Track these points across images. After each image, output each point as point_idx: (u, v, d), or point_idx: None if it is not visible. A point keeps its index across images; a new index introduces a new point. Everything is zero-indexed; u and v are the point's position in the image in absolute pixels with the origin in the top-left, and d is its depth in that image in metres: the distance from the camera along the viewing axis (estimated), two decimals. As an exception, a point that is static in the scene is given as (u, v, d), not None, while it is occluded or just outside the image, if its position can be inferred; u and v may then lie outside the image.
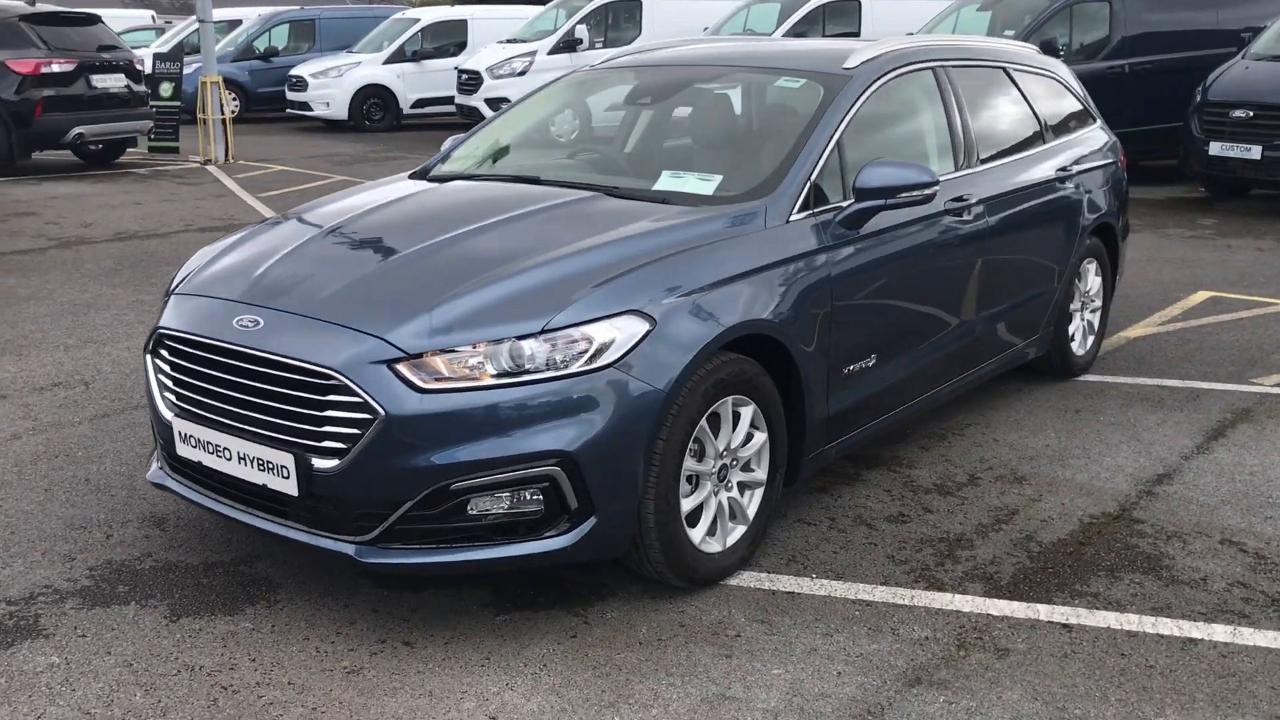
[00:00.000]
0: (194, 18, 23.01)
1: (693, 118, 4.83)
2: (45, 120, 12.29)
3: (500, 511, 3.19)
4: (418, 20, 19.16)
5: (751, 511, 3.77)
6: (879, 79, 4.51)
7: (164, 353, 3.63)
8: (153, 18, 29.41)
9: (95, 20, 13.22)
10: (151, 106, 14.26)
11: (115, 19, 22.43)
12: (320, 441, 3.19)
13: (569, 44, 16.44)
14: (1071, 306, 5.77)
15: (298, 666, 3.20)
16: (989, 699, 3.06)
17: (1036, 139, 5.47)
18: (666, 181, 4.16)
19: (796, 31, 14.95)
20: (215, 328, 3.46)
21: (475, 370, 3.15)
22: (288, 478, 3.24)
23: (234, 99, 20.17)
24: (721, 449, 3.61)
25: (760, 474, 3.79)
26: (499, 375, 3.15)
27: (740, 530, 3.75)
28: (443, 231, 3.74)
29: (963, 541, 4.01)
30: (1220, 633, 3.42)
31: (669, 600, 3.57)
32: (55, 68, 12.34)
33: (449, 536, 3.21)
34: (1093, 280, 5.95)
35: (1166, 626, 3.44)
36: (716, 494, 3.65)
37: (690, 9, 16.90)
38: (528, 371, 3.17)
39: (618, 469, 3.25)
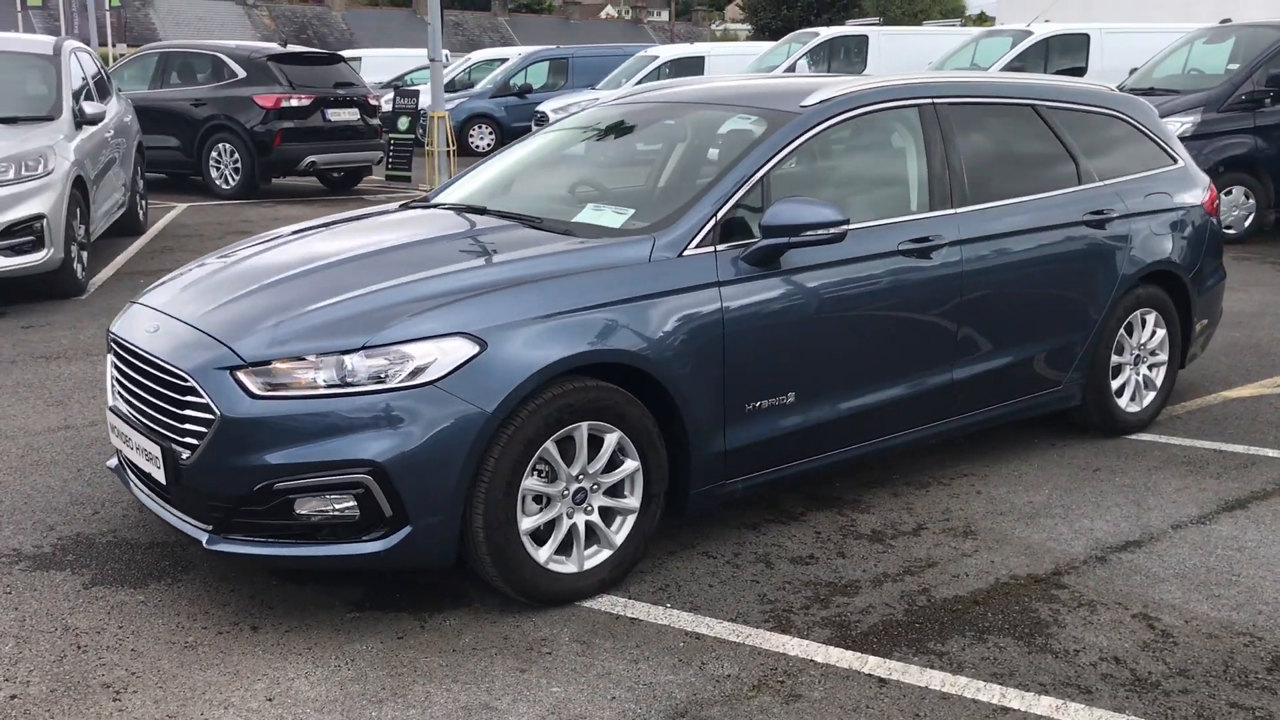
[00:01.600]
0: (468, 56, 24.71)
1: (637, 155, 4.94)
2: (283, 149, 13.64)
3: (322, 513, 3.45)
4: (657, 57, 19.80)
5: (619, 537, 3.86)
6: (832, 117, 4.48)
7: (111, 353, 4.13)
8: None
9: (337, 60, 14.56)
10: (389, 139, 15.50)
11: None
12: (182, 437, 3.57)
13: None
14: (1118, 359, 5.41)
15: (149, 637, 3.57)
16: (739, 740, 3.04)
17: (1063, 180, 5.20)
18: (586, 214, 4.32)
19: (1016, 66, 14.43)
20: (132, 331, 3.93)
21: (305, 380, 3.44)
22: (159, 467, 3.64)
23: (490, 132, 21.50)
24: (575, 473, 3.73)
25: (632, 501, 3.86)
26: (326, 386, 3.42)
27: (604, 554, 3.84)
28: (343, 254, 4.07)
29: (849, 589, 3.92)
30: (1043, 706, 3.21)
31: (512, 615, 3.72)
32: (294, 102, 13.69)
33: (280, 532, 3.50)
34: (1152, 332, 5.55)
35: (988, 693, 3.27)
36: (571, 516, 3.76)
37: (917, 44, 16.63)
38: (350, 384, 3.42)
39: (433, 483, 3.44)
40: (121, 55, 25.90)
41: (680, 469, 3.98)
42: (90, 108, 9.01)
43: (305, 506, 3.45)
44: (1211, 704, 3.23)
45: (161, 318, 3.89)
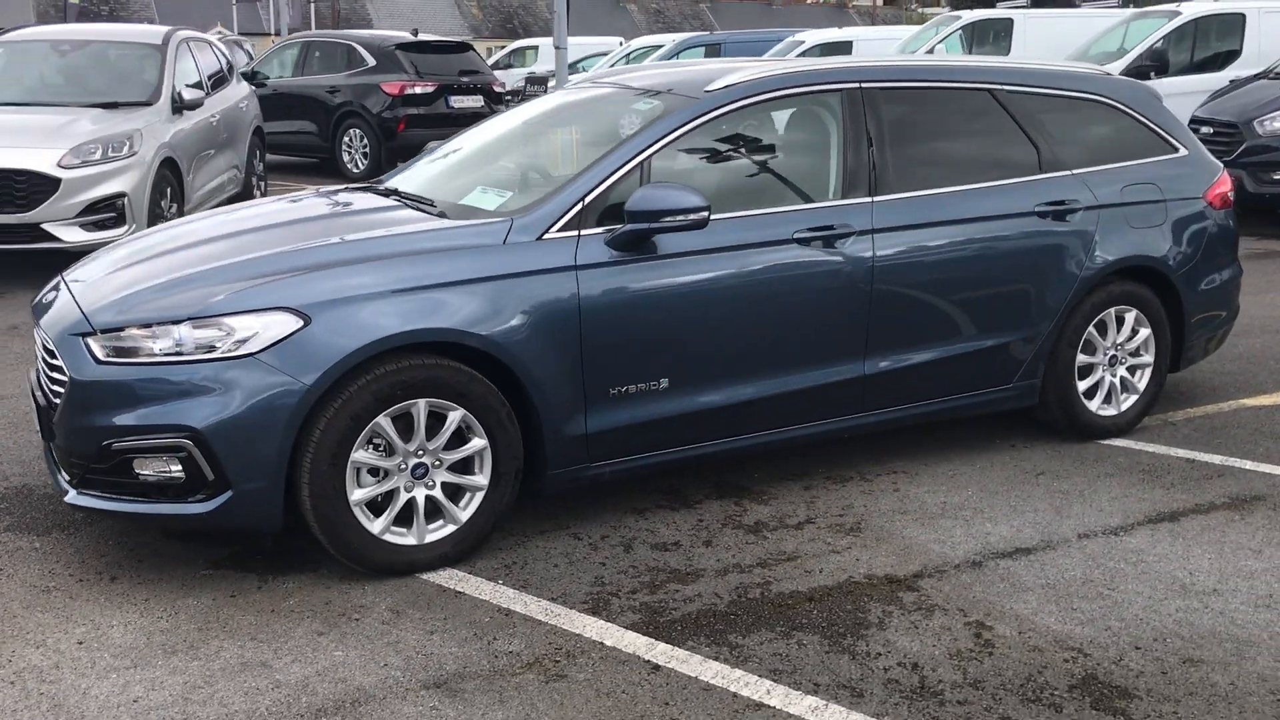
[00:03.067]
0: (628, 43, 24.95)
1: (556, 139, 4.97)
2: (406, 134, 14.18)
3: (155, 474, 3.68)
4: (803, 42, 19.54)
5: (465, 513, 3.95)
6: (734, 102, 4.43)
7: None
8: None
9: (465, 48, 15.03)
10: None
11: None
12: (54, 398, 3.87)
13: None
14: (1087, 359, 5.13)
15: (20, 580, 3.88)
16: (477, 711, 3.09)
17: (1019, 169, 4.96)
18: (471, 196, 4.41)
19: (1159, 49, 13.55)
20: (41, 300, 4.26)
21: (144, 349, 3.67)
22: (39, 428, 3.95)
23: (640, 117, 21.66)
24: (413, 448, 3.83)
25: (480, 479, 3.95)
26: (162, 355, 3.65)
27: (448, 529, 3.94)
28: (221, 232, 4.30)
29: (688, 577, 3.90)
30: (801, 706, 3.14)
31: (347, 582, 3.86)
32: (418, 89, 14.21)
33: (124, 489, 3.74)
34: (1131, 331, 5.23)
35: (752, 689, 3.22)
36: (410, 490, 3.87)
37: (1062, 27, 15.88)
38: (181, 354, 3.63)
39: (253, 450, 3.61)
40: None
41: (536, 449, 4.03)
42: (190, 94, 9.62)
43: (144, 467, 3.67)
44: (982, 717, 3.09)
45: (63, 287, 4.20)
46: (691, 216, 4.00)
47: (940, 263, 4.68)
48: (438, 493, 3.91)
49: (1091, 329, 5.12)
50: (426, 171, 5.07)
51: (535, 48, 32.09)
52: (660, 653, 3.40)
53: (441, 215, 4.23)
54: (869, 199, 4.57)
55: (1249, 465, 4.94)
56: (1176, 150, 5.43)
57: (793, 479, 4.78)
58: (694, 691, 3.20)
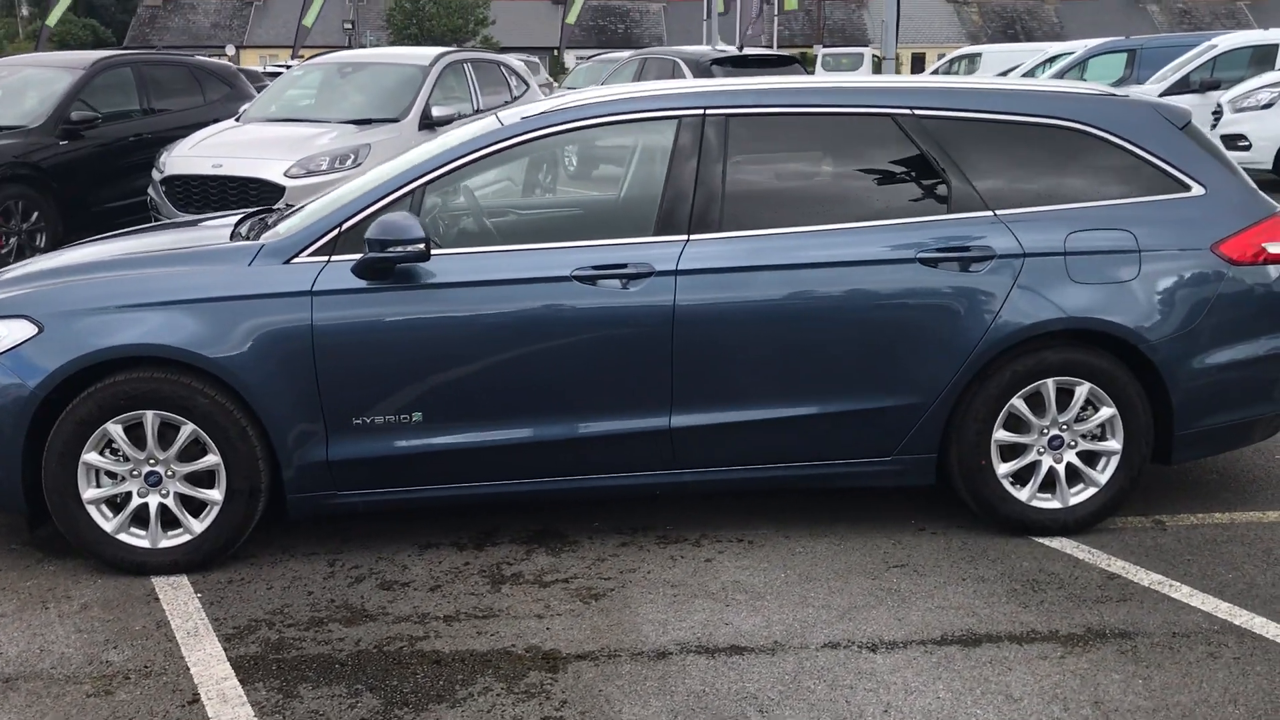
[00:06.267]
0: (1044, 49, 23.23)
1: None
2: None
3: (-62, 455, 4.18)
4: (1215, 46, 17.18)
5: (200, 525, 4.10)
6: (534, 131, 4.21)
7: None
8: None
9: (788, 62, 14.78)
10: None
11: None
12: None
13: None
14: (1011, 437, 4.28)
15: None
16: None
17: (915, 208, 4.25)
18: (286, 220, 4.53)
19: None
20: None
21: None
22: None
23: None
24: (144, 457, 4.06)
25: (215, 494, 4.10)
26: (-50, 352, 4.14)
27: (183, 538, 4.12)
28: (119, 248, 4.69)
29: (359, 619, 3.79)
30: (250, 767, 3.01)
31: (90, 570, 4.15)
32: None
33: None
34: (1083, 409, 4.29)
35: (235, 740, 3.13)
36: (144, 496, 4.09)
37: None
38: None
39: (-6, 445, 4.00)
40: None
41: (276, 472, 4.10)
42: (441, 112, 10.41)
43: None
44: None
45: None
46: (409, 248, 3.88)
47: (771, 313, 4.13)
48: (171, 501, 4.09)
49: (1019, 402, 4.25)
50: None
51: (979, 55, 30.79)
52: (224, 689, 3.38)
53: (248, 237, 4.39)
54: (682, 238, 4.13)
55: (1181, 594, 3.89)
56: (1186, 188, 4.35)
57: (622, 533, 4.43)
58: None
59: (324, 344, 4.00)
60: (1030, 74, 21.94)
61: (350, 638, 3.67)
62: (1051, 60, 22.79)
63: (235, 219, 4.76)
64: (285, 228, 4.25)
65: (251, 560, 4.23)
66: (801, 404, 4.19)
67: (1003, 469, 4.30)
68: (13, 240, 9.61)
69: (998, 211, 4.24)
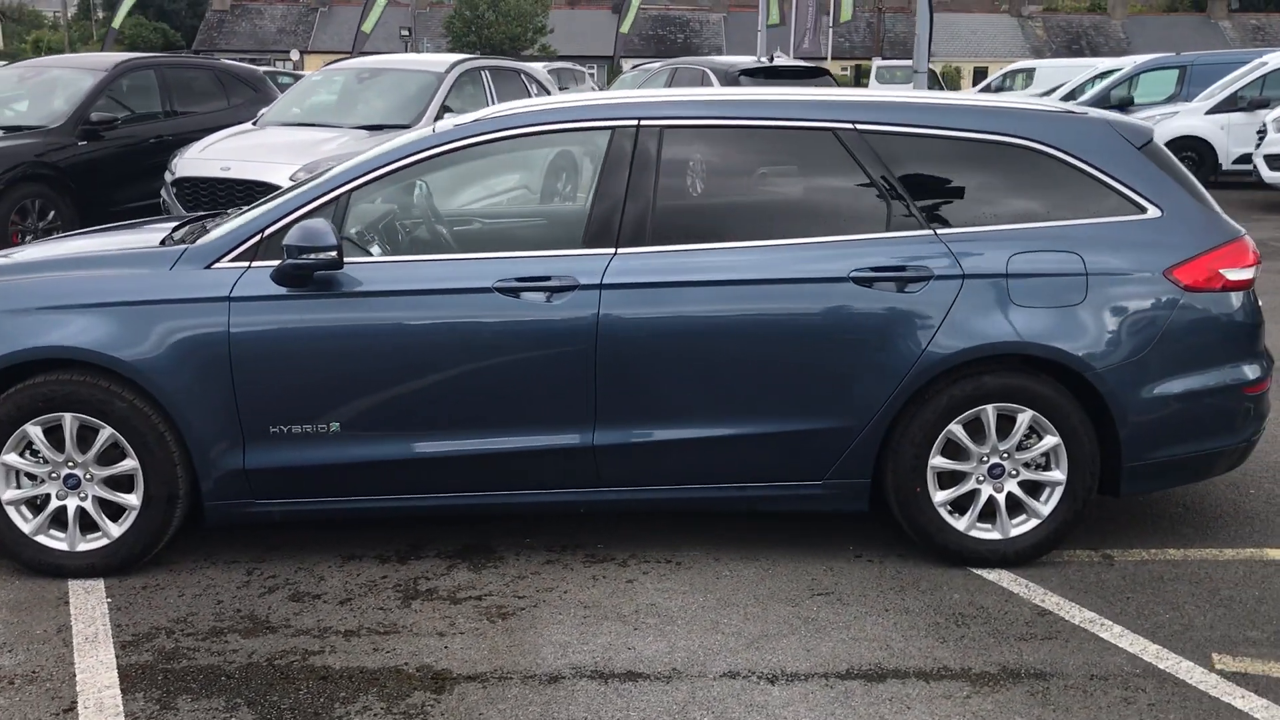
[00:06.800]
0: (1093, 64, 22.84)
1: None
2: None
3: None
4: (1265, 64, 16.72)
5: (118, 530, 4.08)
6: (464, 139, 4.16)
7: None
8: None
9: (819, 73, 14.61)
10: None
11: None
12: None
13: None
14: (948, 464, 4.14)
15: None
16: None
17: (854, 224, 4.12)
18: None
19: None
20: None
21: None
22: None
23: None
24: (63, 459, 4.04)
25: (133, 499, 4.07)
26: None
27: (101, 542, 4.10)
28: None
29: (259, 631, 3.74)
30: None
31: (8, 572, 4.15)
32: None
33: None
34: (1025, 436, 4.14)
35: (97, 751, 3.08)
36: (63, 498, 4.08)
37: None
38: None
39: (-75, 437, 4.00)
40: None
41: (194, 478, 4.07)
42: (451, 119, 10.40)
43: None
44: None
45: None
46: (321, 255, 3.84)
47: (699, 330, 4.02)
48: (89, 505, 4.07)
49: (957, 428, 4.10)
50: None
51: (1033, 70, 30.36)
52: (104, 698, 3.34)
53: (181, 241, 4.36)
54: (610, 251, 4.05)
55: (1111, 634, 3.73)
56: (1141, 210, 4.18)
57: (552, 550, 4.35)
58: (55, 740, 3.13)
59: (240, 351, 3.96)
60: (1078, 90, 21.57)
61: (245, 650, 3.61)
62: (1102, 76, 22.38)
63: (176, 223, 4.75)
64: (217, 233, 4.22)
65: (171, 566, 4.20)
66: (729, 424, 4.08)
67: (940, 496, 4.15)
68: (29, 238, 9.74)
69: (938, 231, 4.10)
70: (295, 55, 52.85)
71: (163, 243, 4.33)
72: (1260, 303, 4.36)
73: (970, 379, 4.07)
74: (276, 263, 3.98)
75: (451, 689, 3.39)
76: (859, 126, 4.18)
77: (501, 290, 3.99)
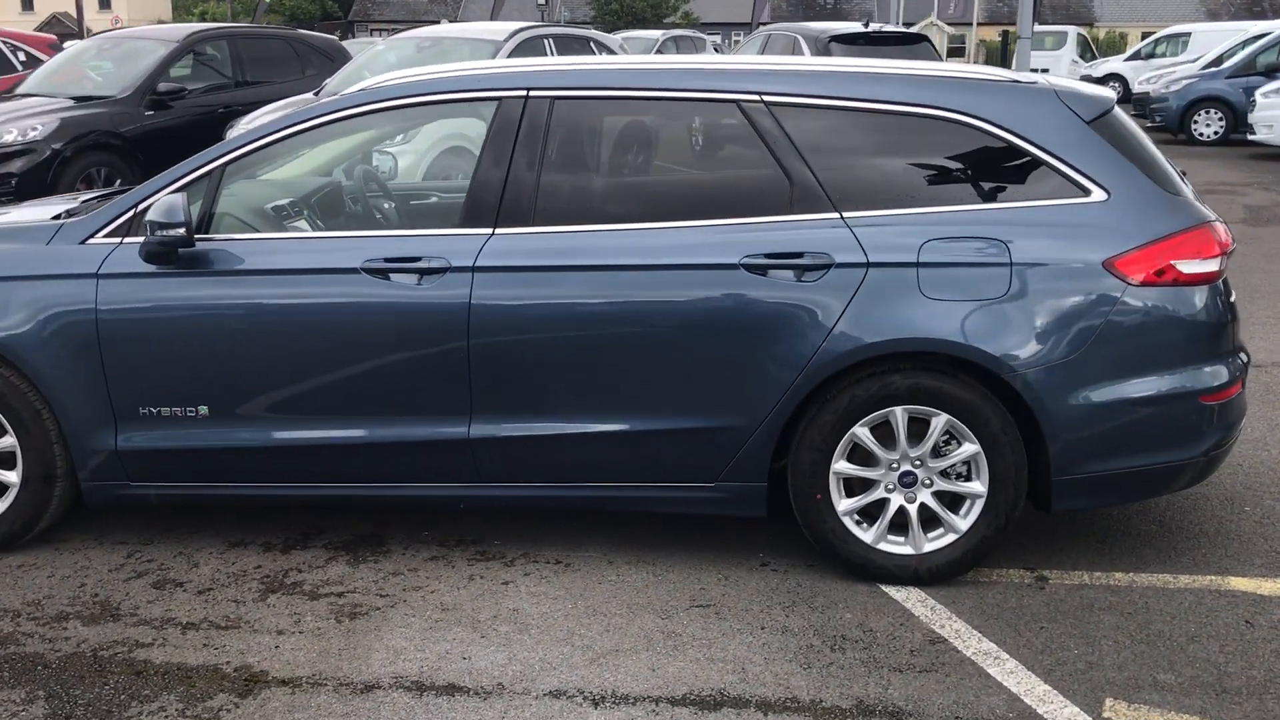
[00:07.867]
0: (1245, 29, 21.27)
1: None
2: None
3: None
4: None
5: (-4, 508, 4.06)
6: (338, 111, 3.95)
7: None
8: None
9: (918, 39, 13.88)
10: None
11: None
12: None
13: None
14: (854, 469, 3.77)
15: None
16: None
17: (752, 205, 3.77)
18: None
19: None
20: None
21: None
22: None
23: (1219, 118, 18.54)
24: (-66, 439, 4.02)
25: (12, 477, 4.03)
26: None
27: (-23, 522, 4.07)
28: None
29: (101, 619, 3.64)
30: None
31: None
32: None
33: None
34: (941, 442, 3.74)
35: (-128, 741, 3.02)
36: (-55, 477, 4.07)
37: None
38: None
39: None
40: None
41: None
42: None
43: None
44: None
45: None
46: (171, 233, 3.69)
47: (578, 318, 3.74)
48: (-30, 483, 4.05)
49: (863, 431, 3.73)
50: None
51: (1187, 35, 28.51)
52: (-85, 683, 3.29)
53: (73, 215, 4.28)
54: (487, 231, 3.79)
55: (1000, 670, 3.33)
56: (1085, 193, 3.71)
57: (445, 545, 4.14)
58: None
59: (108, 329, 3.86)
60: (1226, 54, 20.10)
61: (77, 638, 3.52)
62: (1254, 39, 20.82)
63: (88, 196, 4.69)
64: (99, 209, 4.12)
65: (56, 545, 4.15)
66: (614, 420, 3.79)
67: (844, 505, 3.79)
68: (93, 206, 9.99)
69: (845, 214, 3.72)
70: (444, 25, 53.70)
71: (56, 217, 4.26)
72: (1234, 297, 3.84)
73: (875, 378, 3.68)
74: (136, 239, 3.86)
75: (258, 693, 3.22)
76: (766, 98, 3.81)
77: (370, 271, 3.78)
